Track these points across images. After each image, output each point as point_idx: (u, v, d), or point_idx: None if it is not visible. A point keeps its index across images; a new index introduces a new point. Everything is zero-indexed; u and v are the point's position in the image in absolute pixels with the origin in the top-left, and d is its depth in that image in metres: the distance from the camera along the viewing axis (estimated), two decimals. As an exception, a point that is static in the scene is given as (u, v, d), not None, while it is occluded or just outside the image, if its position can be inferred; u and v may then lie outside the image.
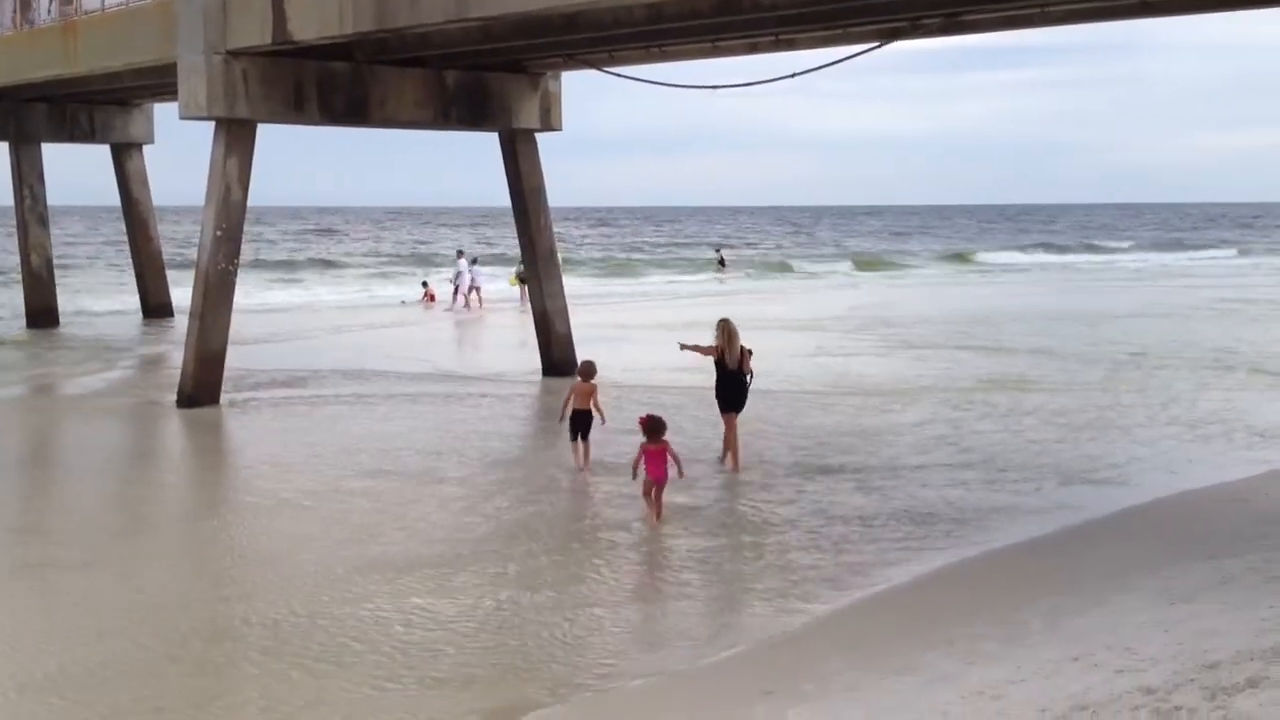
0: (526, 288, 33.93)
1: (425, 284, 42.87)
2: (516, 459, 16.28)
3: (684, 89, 21.54)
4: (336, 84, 20.49)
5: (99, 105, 33.31)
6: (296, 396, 21.06)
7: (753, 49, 19.51)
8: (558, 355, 23.48)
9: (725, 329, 15.03)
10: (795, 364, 24.12)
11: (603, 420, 15.19)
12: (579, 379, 15.31)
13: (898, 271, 62.15)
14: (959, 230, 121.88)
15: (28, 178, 33.49)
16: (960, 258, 71.22)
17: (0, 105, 31.80)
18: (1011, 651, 8.23)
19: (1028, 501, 13.30)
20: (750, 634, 9.34)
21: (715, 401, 15.17)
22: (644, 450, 12.60)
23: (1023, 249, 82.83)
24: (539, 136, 23.52)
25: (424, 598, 10.21)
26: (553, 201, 24.07)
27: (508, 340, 29.45)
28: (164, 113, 35.12)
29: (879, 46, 18.09)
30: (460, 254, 43.28)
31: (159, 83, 25.63)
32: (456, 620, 9.69)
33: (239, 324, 21.74)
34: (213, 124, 20.19)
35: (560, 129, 23.43)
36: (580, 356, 23.33)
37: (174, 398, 20.50)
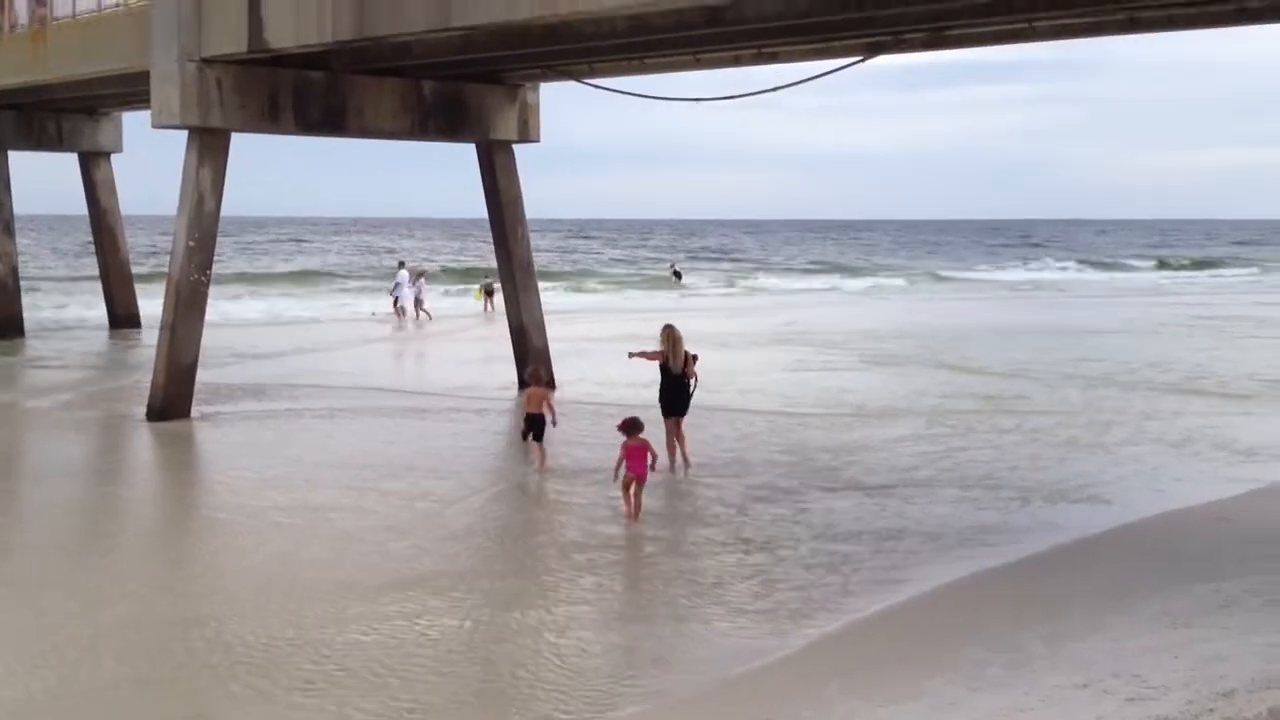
0: (494, 300, 34.04)
1: (416, 295, 42.54)
2: (494, 475, 15.99)
3: (664, 101, 21.36)
4: (312, 93, 20.18)
5: (67, 113, 32.82)
6: (268, 410, 20.69)
7: (735, 61, 19.36)
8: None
9: (669, 335, 15.51)
10: (774, 380, 23.97)
11: (554, 422, 15.69)
12: (530, 384, 16.03)
13: (874, 285, 62.16)
14: (942, 246, 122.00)
15: (-7, 185, 32.90)
16: (934, 275, 71.15)
17: (-34, 112, 31.29)
18: (1017, 677, 8.04)
19: (1017, 520, 13.13)
20: (745, 658, 9.07)
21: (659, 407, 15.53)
22: (625, 448, 12.94)
23: (1002, 264, 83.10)
24: (517, 148, 23.29)
25: (401, 620, 9.90)
26: (530, 214, 23.85)
27: (481, 354, 29.13)
28: (133, 121, 34.71)
29: (862, 61, 17.96)
30: (401, 265, 43.13)
31: (129, 91, 25.27)
32: (436, 643, 9.39)
33: (208, 336, 21.32)
34: (185, 133, 19.85)
35: (538, 140, 23.21)
36: (556, 371, 23.23)
37: (144, 410, 20.10)
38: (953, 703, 7.62)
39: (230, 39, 18.42)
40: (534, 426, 15.57)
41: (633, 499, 13.04)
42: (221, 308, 37.95)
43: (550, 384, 15.77)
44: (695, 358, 15.59)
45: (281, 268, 69.79)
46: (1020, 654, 8.64)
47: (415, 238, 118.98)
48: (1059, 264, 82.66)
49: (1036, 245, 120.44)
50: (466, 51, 18.44)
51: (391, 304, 39.40)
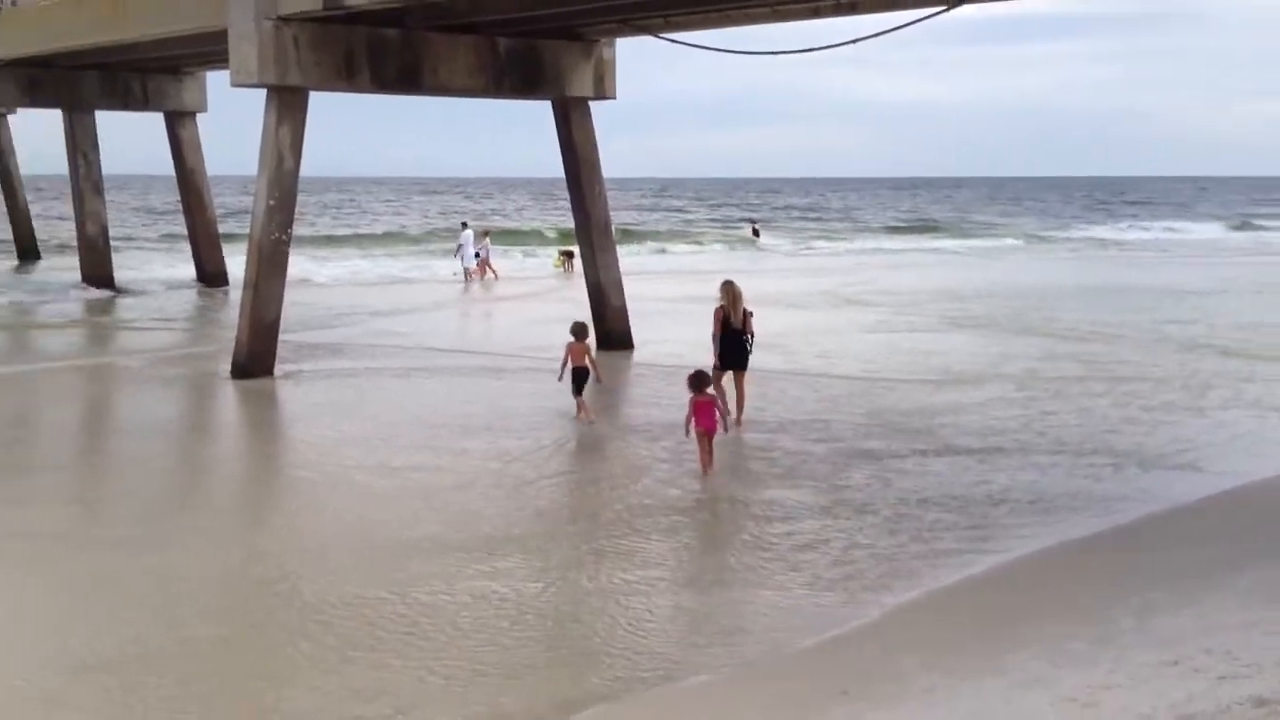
0: (573, 261, 33.88)
1: (478, 255, 42.56)
2: (569, 436, 15.87)
3: (741, 55, 20.94)
4: (388, 51, 20.08)
5: (152, 73, 33.17)
6: (348, 369, 20.79)
7: (814, 13, 18.89)
8: (614, 328, 23.04)
9: (729, 290, 15.64)
10: (853, 342, 23.58)
11: (599, 378, 16.29)
12: (572, 339, 16.18)
13: (957, 244, 61.08)
14: (1037, 203, 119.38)
15: (82, 145, 33.45)
16: (1031, 235, 69.30)
17: (52, 73, 31.75)
18: (1102, 653, 7.71)
19: (1107, 488, 12.69)
20: (821, 627, 8.85)
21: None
22: (693, 403, 13.13)
23: (1098, 222, 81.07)
24: (593, 105, 23.03)
25: (475, 581, 9.82)
26: (607, 172, 23.60)
27: (558, 314, 28.93)
28: (219, 81, 35.00)
29: (945, 10, 17.43)
30: (464, 225, 43.11)
31: (211, 50, 25.38)
32: (509, 605, 9.29)
33: (289, 296, 21.44)
34: (264, 92, 19.87)
35: (614, 97, 22.91)
36: (634, 331, 23.04)
37: (228, 368, 20.29)
38: (1036, 678, 7.34)
39: (307, -4, 18.36)
40: (579, 380, 15.99)
41: (705, 453, 13.15)
42: (302, 267, 38.32)
43: (579, 334, 16.29)
44: (751, 314, 15.80)
45: (363, 228, 70.33)
46: (1108, 628, 8.30)
47: (494, 198, 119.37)
48: (1157, 222, 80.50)
49: (1134, 203, 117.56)
50: (541, 6, 18.23)
51: (460, 265, 39.42)
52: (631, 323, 23.22)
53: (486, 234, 42.51)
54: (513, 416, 16.55)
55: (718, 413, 13.24)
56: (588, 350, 16.24)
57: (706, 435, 13.16)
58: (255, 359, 20.06)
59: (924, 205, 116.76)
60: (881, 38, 18.10)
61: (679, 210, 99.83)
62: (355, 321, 27.53)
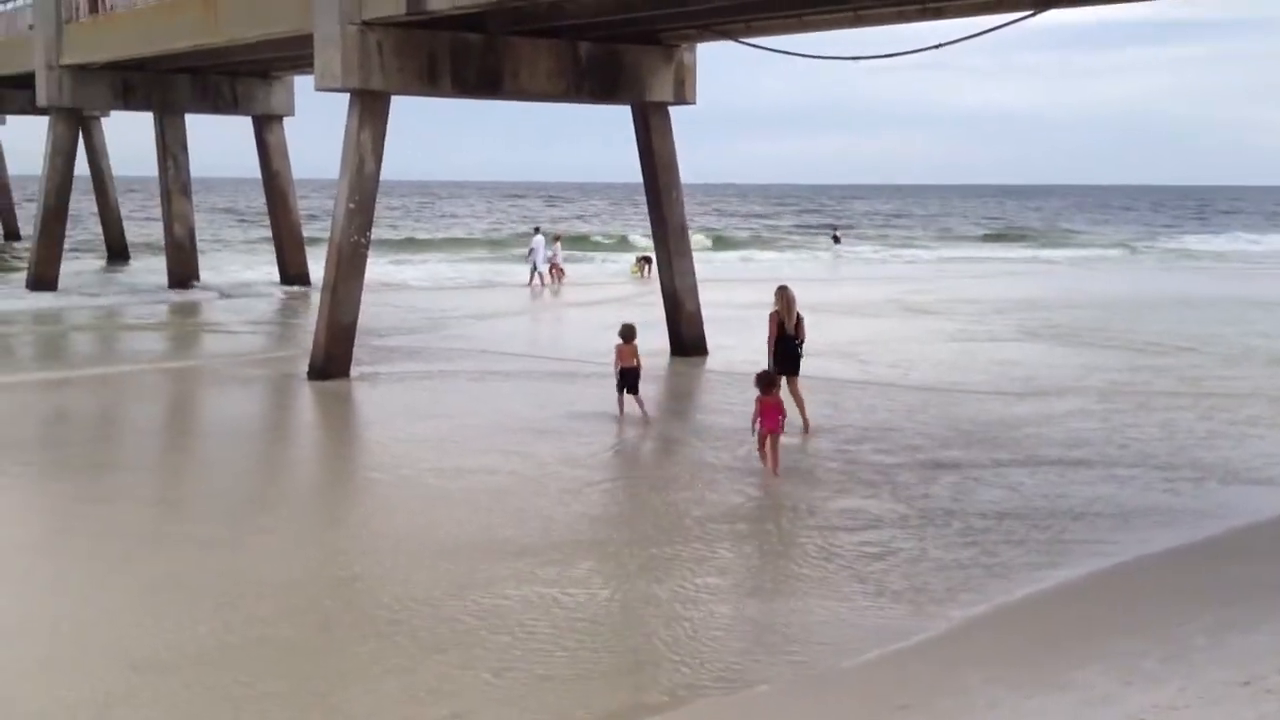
0: (651, 267, 33.89)
1: (550, 259, 42.77)
2: (641, 443, 15.89)
3: (824, 60, 20.80)
4: (470, 55, 20.25)
5: (241, 76, 33.82)
6: (423, 371, 20.99)
7: (899, 17, 18.69)
8: (687, 334, 23.00)
9: (783, 296, 15.88)
10: (932, 350, 23.31)
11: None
12: (621, 341, 16.77)
13: (1044, 253, 60.13)
14: (1128, 212, 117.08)
15: (171, 148, 34.19)
16: (1125, 245, 67.84)
17: (144, 76, 32.49)
18: (1174, 671, 7.52)
19: (1186, 502, 12.41)
20: (883, 639, 8.75)
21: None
22: (760, 403, 13.44)
23: (1190, 232, 79.36)
24: (673, 110, 23.02)
25: (543, 586, 9.85)
26: (686, 177, 23.58)
27: (635, 319, 28.96)
28: (306, 85, 35.50)
29: (1033, 14, 17.18)
30: (536, 230, 43.32)
31: (298, 54, 25.79)
32: (575, 611, 9.31)
33: (367, 299, 21.70)
34: (347, 96, 20.13)
35: (694, 102, 22.88)
36: (709, 337, 22.97)
37: (306, 369, 20.57)
38: (1104, 696, 7.18)
39: (390, 1, 18.57)
40: (629, 380, 16.58)
41: (770, 454, 13.36)
42: (382, 270, 38.79)
43: (628, 337, 16.87)
44: (802, 319, 16.04)
45: (442, 232, 71.04)
46: (1179, 646, 8.10)
47: (576, 203, 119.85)
48: (1247, 233, 78.56)
49: (1225, 213, 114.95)
50: (621, 10, 18.25)
51: (529, 270, 39.61)
52: (706, 329, 23.15)
53: (558, 239, 42.75)
54: (582, 421, 16.59)
55: (781, 413, 13.46)
56: (636, 351, 16.77)
57: (772, 435, 13.37)
58: (332, 361, 20.33)
59: (1009, 213, 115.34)
60: (966, 43, 17.91)
61: (760, 216, 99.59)
62: (431, 324, 27.78)
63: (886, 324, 27.69)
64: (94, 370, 21.83)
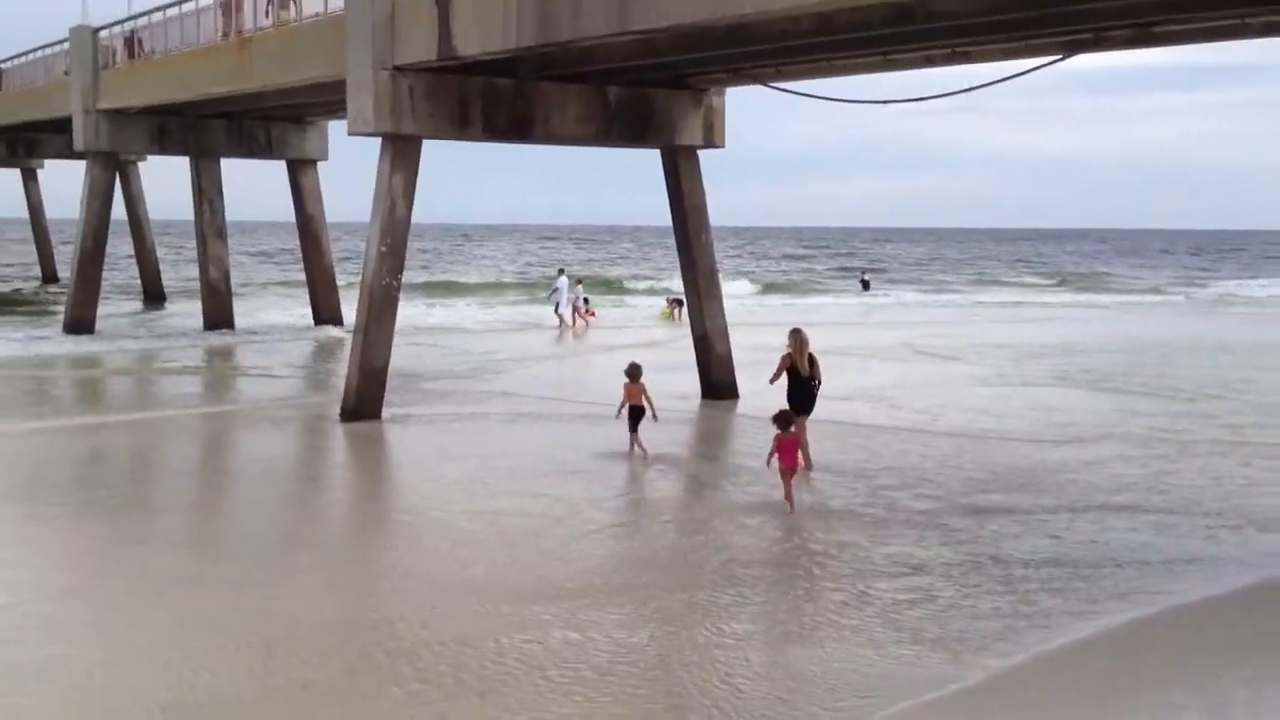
0: (682, 310, 33.89)
1: (586, 300, 42.89)
2: (671, 486, 15.80)
3: (853, 104, 20.84)
4: (500, 100, 20.37)
5: (275, 121, 34.19)
6: (453, 414, 20.99)
7: (927, 62, 18.70)
8: (718, 377, 22.93)
9: (796, 338, 16.13)
10: (965, 396, 23.14)
11: (654, 416, 17.14)
12: (627, 379, 17.20)
13: (1077, 298, 59.80)
14: (1154, 258, 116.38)
15: (207, 192, 34.53)
16: (1157, 288, 67.24)
17: (180, 120, 32.89)
18: (1215, 726, 7.37)
19: (1225, 550, 12.22)
20: (917, 688, 8.61)
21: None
22: (778, 440, 13.83)
23: (1223, 276, 78.60)
24: (701, 154, 23.07)
25: (575, 630, 9.78)
26: (714, 220, 23.59)
27: (662, 362, 28.92)
28: (340, 130, 35.84)
29: (1060, 60, 17.15)
30: (561, 272, 43.41)
31: (332, 99, 26.03)
32: (601, 655, 9.22)
33: (398, 341, 21.75)
34: (379, 140, 20.28)
35: (723, 145, 22.94)
36: (739, 380, 22.85)
37: (339, 411, 20.61)
38: (1143, 750, 7.02)
39: (421, 47, 18.74)
40: (635, 418, 17.09)
41: (785, 489, 13.75)
42: (413, 312, 38.97)
43: (633, 375, 17.24)
44: (815, 360, 16.24)
45: (472, 275, 71.36)
46: (1219, 698, 7.95)
47: (608, 245, 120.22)
48: None
49: (1267, 258, 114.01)
50: (649, 55, 18.33)
51: (554, 311, 39.69)
52: (739, 372, 23.06)
53: (580, 281, 42.88)
54: (613, 462, 16.55)
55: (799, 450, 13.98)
56: (643, 389, 17.17)
57: (790, 472, 13.77)
58: (364, 402, 20.37)
59: (1044, 256, 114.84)
60: (996, 86, 17.88)
61: (794, 258, 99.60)
62: (463, 366, 27.83)
63: (917, 368, 27.54)
64: (131, 415, 21.84)
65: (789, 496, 13.76)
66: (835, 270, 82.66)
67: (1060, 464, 16.47)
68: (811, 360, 16.11)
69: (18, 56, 40.38)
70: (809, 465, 15.54)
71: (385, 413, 20.49)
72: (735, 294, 53.70)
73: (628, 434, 17.12)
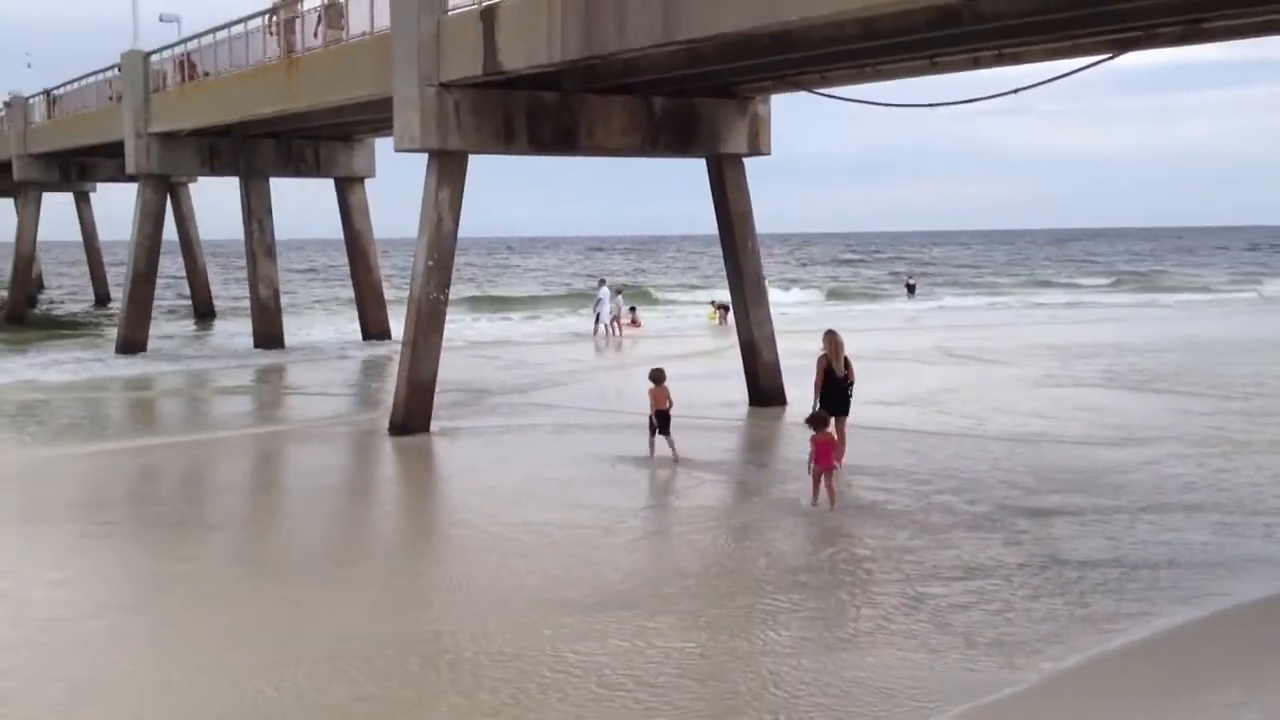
0: (728, 315, 33.90)
1: (634, 308, 42.99)
2: (719, 493, 15.79)
3: (899, 107, 20.77)
4: (545, 113, 20.47)
5: (323, 140, 34.55)
6: (502, 426, 21.07)
7: (974, 64, 18.56)
8: (765, 384, 22.88)
9: (831, 340, 16.26)
10: (1016, 398, 22.96)
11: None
12: (652, 385, 17.38)
13: (1128, 298, 59.14)
14: (1206, 255, 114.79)
15: (257, 211, 34.89)
16: (1210, 286, 66.30)
17: (230, 141, 33.30)
18: (1277, 726, 7.26)
19: (1283, 550, 12.05)
20: (971, 693, 8.54)
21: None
22: (814, 442, 14.10)
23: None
24: (747, 161, 23.06)
25: (625, 639, 9.79)
26: (761, 228, 23.60)
27: (708, 370, 28.89)
28: (386, 146, 36.14)
29: (1110, 58, 16.98)
30: (602, 282, 43.52)
31: (378, 117, 26.26)
32: (654, 664, 9.22)
33: (446, 354, 21.88)
34: (425, 156, 20.44)
35: (769, 153, 22.90)
36: (787, 387, 22.77)
37: (387, 425, 20.76)
38: (1204, 752, 6.94)
39: (466, 62, 18.87)
40: (662, 422, 17.20)
41: (824, 488, 14.02)
42: (459, 326, 39.19)
43: (658, 380, 17.43)
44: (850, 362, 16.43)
45: (520, 287, 71.64)
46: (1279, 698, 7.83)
47: (657, 255, 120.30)
48: None
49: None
50: (694, 65, 18.34)
51: (593, 322, 39.74)
52: (786, 379, 23.00)
53: (619, 291, 43.02)
54: (658, 473, 16.57)
55: (836, 450, 14.23)
56: (667, 394, 17.34)
57: (826, 472, 14.03)
58: (412, 416, 20.50)
59: (1096, 255, 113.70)
60: (1045, 87, 17.73)
61: (843, 262, 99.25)
62: (511, 378, 27.94)
63: (964, 371, 27.35)
64: (183, 437, 21.84)
65: (829, 494, 13.99)
66: (888, 276, 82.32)
67: (1116, 465, 16.31)
68: (847, 362, 16.28)
69: (71, 82, 41.06)
70: (840, 463, 15.39)
71: (434, 425, 20.60)
72: (796, 301, 53.75)
73: (648, 439, 17.37)
